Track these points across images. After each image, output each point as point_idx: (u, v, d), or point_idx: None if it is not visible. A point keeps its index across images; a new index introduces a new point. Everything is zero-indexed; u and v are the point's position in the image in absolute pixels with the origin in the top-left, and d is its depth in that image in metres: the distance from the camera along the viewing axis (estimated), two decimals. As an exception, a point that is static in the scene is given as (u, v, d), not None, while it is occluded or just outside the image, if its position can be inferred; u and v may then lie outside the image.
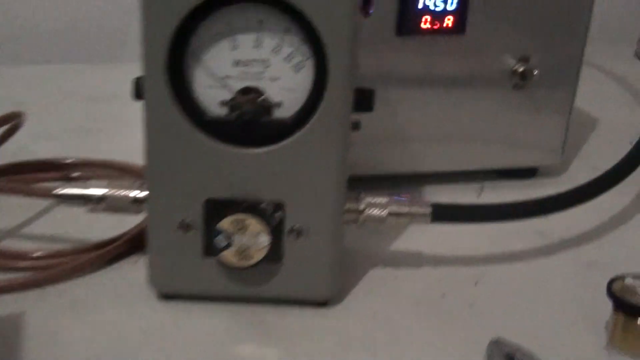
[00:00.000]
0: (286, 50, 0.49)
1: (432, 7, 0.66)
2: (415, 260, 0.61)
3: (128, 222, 0.60)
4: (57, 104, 0.92)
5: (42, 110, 0.88)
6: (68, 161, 0.73)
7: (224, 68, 0.49)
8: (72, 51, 1.07)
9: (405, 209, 0.54)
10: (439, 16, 0.66)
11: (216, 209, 0.51)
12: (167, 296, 0.55)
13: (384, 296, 0.56)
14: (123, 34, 1.06)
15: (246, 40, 0.49)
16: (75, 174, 0.72)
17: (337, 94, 0.49)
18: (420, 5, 0.66)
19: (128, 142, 0.65)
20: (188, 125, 0.50)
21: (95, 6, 1.06)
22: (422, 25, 0.67)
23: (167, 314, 0.54)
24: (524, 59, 0.69)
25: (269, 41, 0.49)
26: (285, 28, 0.48)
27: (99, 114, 0.89)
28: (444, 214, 0.55)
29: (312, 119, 0.49)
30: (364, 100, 0.51)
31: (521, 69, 0.69)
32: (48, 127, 0.83)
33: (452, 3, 0.66)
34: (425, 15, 0.66)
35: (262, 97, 0.50)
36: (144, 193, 0.53)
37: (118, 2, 1.06)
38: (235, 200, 0.51)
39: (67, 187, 0.55)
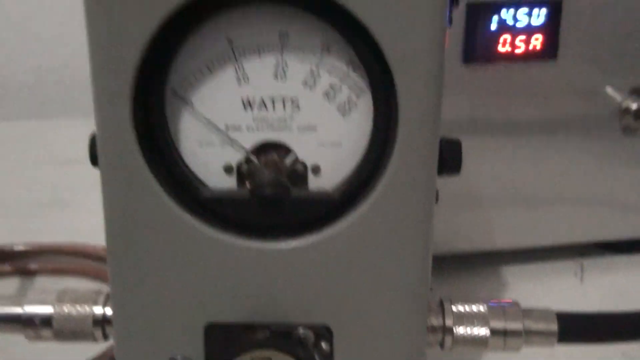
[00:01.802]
0: (326, 80, 0.30)
1: (510, 22, 0.47)
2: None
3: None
4: (16, 169, 0.73)
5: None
6: (18, 248, 0.54)
7: (227, 113, 0.30)
8: (39, 105, 0.89)
9: (517, 325, 0.34)
10: (521, 35, 0.48)
11: (224, 340, 0.32)
12: None
13: None
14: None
15: (261, 67, 0.30)
16: (33, 266, 0.53)
17: (415, 149, 0.30)
18: (494, 23, 0.47)
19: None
20: (173, 206, 0.31)
21: (68, 53, 0.88)
22: (499, 49, 0.48)
23: None
24: (636, 92, 0.50)
25: (297, 67, 0.30)
26: (325, 44, 0.30)
27: (68, 181, 0.71)
28: (580, 329, 0.35)
29: (374, 190, 0.30)
30: (450, 156, 0.32)
31: (634, 107, 0.50)
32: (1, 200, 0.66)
33: (538, 16, 0.48)
34: (502, 34, 0.48)
35: (291, 159, 0.31)
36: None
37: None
38: (253, 325, 0.31)
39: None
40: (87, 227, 0.60)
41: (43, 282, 0.53)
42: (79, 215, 0.63)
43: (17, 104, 0.90)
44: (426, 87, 0.29)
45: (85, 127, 0.86)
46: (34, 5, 0.86)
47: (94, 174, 0.72)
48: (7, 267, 0.53)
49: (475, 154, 0.50)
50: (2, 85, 0.89)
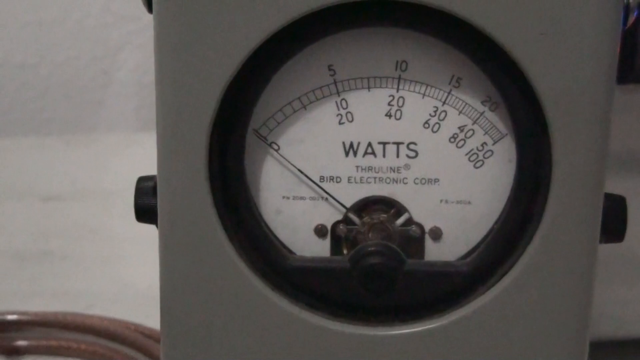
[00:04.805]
0: (453, 122, 0.32)
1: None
2: None
3: None
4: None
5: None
6: (8, 318, 0.56)
7: (322, 161, 0.33)
8: (22, 119, 0.93)
9: None
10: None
11: None
12: None
13: None
14: (100, 90, 0.93)
15: (370, 103, 0.32)
16: (22, 343, 0.55)
17: (574, 208, 0.32)
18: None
19: (115, 278, 0.58)
20: (250, 276, 0.33)
21: (59, 51, 0.92)
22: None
23: None
24: None
25: (417, 104, 0.32)
26: (454, 76, 0.32)
27: (55, 224, 0.74)
28: None
29: (516, 263, 0.32)
30: (611, 217, 0.33)
31: None
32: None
33: None
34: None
35: (403, 219, 0.33)
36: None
37: (94, 44, 0.92)
38: None
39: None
40: (88, 288, 0.63)
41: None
42: (75, 271, 0.66)
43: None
44: (589, 128, 0.31)
45: (61, 149, 0.88)
46: None
47: (86, 215, 0.75)
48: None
49: (631, 202, 0.52)
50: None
